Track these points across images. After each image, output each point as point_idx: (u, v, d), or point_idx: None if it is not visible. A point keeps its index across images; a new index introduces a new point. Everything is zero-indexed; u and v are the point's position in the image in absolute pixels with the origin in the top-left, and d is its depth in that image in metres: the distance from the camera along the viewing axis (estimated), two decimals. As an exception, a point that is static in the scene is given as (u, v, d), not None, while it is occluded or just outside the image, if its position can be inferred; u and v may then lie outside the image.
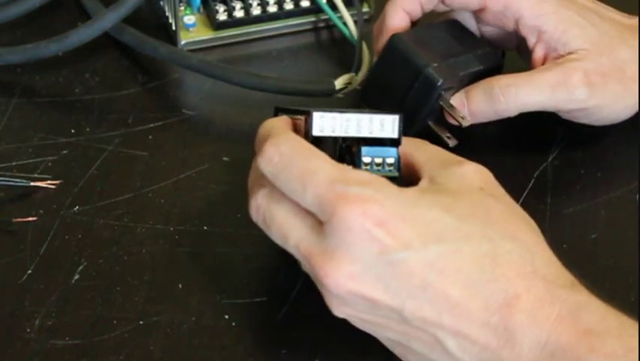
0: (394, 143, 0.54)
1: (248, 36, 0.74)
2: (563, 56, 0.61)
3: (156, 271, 0.58)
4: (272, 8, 0.74)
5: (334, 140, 0.55)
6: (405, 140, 0.54)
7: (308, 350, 0.55)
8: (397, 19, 0.63)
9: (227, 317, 0.56)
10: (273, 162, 0.51)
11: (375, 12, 0.73)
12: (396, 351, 0.51)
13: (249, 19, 0.73)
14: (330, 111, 0.54)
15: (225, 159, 0.65)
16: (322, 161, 0.50)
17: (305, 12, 0.74)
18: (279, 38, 0.74)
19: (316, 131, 0.54)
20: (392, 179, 0.51)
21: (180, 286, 0.58)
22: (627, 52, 0.62)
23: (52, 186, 0.62)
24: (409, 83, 0.60)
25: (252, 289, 0.57)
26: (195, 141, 0.66)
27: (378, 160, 0.54)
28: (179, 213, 0.61)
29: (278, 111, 0.58)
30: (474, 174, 0.51)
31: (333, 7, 0.73)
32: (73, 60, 0.71)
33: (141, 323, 0.56)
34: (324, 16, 0.74)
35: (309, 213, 0.50)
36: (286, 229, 0.51)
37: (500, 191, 0.52)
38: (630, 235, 0.61)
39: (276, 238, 0.52)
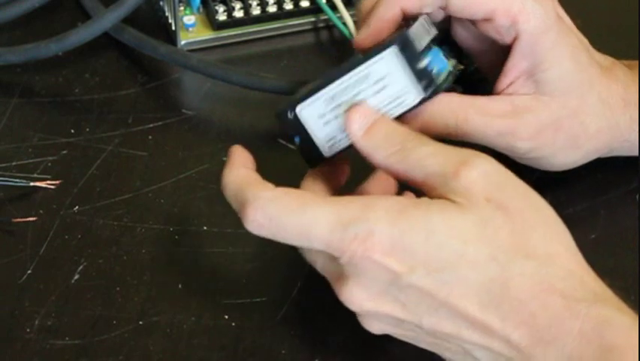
0: (436, 39, 0.57)
1: (248, 36, 0.74)
2: (529, 93, 0.58)
3: (156, 271, 0.58)
4: (272, 8, 0.74)
5: None
6: (395, 154, 0.52)
7: (308, 350, 0.55)
8: (390, 14, 0.57)
9: (227, 317, 0.56)
10: (265, 227, 0.50)
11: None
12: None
13: (248, 20, 0.73)
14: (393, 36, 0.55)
15: (225, 159, 0.64)
16: (314, 208, 0.50)
17: (305, 12, 0.74)
18: (279, 38, 0.74)
19: (419, 45, 0.55)
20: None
21: (180, 286, 0.58)
22: (594, 104, 0.59)
23: (52, 186, 0.62)
24: None
25: (252, 289, 0.57)
26: (195, 141, 0.66)
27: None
28: (179, 213, 0.61)
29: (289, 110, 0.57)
30: (479, 181, 0.49)
31: (333, 7, 0.73)
32: (74, 60, 0.71)
33: (141, 323, 0.56)
34: (323, 17, 0.74)
35: None
36: (313, 258, 0.52)
37: (509, 194, 0.50)
38: (630, 235, 0.61)
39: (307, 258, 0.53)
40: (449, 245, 0.48)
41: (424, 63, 0.54)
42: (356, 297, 0.50)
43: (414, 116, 0.56)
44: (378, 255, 0.48)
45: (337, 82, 0.54)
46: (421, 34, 0.56)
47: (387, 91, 0.54)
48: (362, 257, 0.48)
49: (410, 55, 0.54)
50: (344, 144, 0.55)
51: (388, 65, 0.54)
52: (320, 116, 0.55)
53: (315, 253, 0.52)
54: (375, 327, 0.51)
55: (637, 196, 0.63)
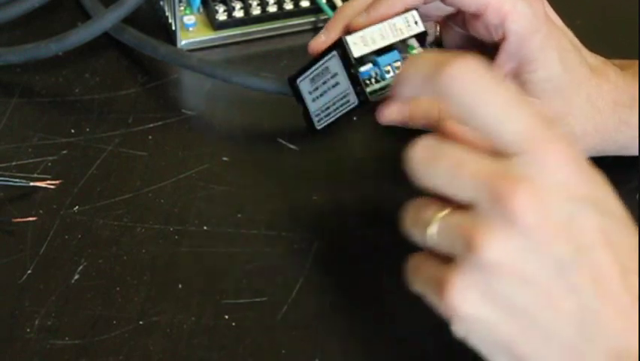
0: (423, 36, 0.58)
1: (248, 36, 0.74)
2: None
3: (156, 271, 0.58)
4: (272, 8, 0.74)
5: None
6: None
7: (308, 350, 0.55)
8: (392, 12, 0.57)
9: (227, 317, 0.56)
10: (467, 78, 0.45)
11: (375, 12, 0.73)
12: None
13: (248, 19, 0.73)
14: (355, 32, 0.57)
15: (225, 159, 0.65)
16: (525, 99, 0.47)
17: (305, 12, 0.74)
18: (279, 38, 0.74)
19: (357, 52, 0.56)
20: None
21: (180, 286, 0.58)
22: (581, 106, 0.59)
23: (52, 186, 0.62)
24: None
25: (252, 289, 0.57)
26: (195, 141, 0.66)
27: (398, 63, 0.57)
28: (179, 213, 0.61)
29: (294, 79, 0.61)
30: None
31: (333, 7, 0.73)
32: (74, 60, 0.71)
33: (141, 322, 0.56)
34: (324, 16, 0.74)
35: (486, 151, 0.46)
36: (462, 158, 0.46)
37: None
38: (630, 235, 0.60)
39: (444, 171, 0.46)
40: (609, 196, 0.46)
41: (362, 69, 0.57)
42: (532, 197, 0.44)
43: None
44: (568, 168, 0.45)
45: (313, 67, 0.59)
46: (382, 35, 0.57)
47: (339, 88, 0.58)
48: (557, 160, 0.44)
49: (347, 61, 0.57)
50: (324, 122, 0.60)
51: (334, 65, 0.57)
52: (309, 92, 0.60)
53: (471, 154, 0.45)
54: (504, 249, 0.44)
55: (637, 196, 0.63)
